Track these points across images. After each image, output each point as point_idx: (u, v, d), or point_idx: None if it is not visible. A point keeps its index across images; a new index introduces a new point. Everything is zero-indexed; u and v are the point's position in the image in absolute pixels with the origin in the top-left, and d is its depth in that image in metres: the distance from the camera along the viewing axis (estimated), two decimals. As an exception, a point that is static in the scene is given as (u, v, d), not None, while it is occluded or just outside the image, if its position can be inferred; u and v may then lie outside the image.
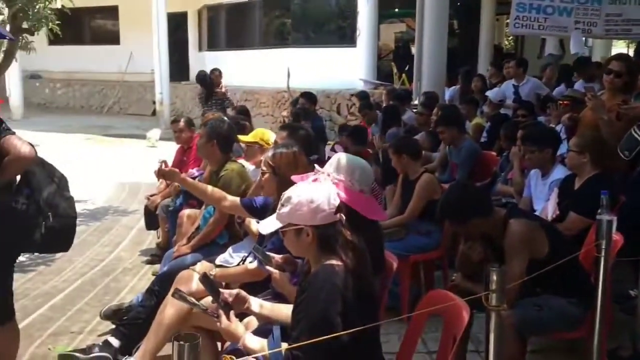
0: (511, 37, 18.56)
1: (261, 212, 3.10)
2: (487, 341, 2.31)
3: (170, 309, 2.99)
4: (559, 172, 4.13)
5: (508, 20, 11.06)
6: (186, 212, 4.58)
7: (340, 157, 2.76)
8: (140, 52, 17.33)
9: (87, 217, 7.04)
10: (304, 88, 10.02)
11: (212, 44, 17.78)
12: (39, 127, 14.83)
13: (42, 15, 7.63)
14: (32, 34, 7.69)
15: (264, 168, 3.07)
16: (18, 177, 2.89)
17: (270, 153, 3.09)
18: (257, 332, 2.35)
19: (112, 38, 19.75)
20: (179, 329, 3.02)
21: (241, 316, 2.56)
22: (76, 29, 19.95)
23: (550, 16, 8.81)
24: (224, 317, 2.18)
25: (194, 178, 5.00)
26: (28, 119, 16.46)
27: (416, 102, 8.85)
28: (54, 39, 7.80)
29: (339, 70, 13.03)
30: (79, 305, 4.49)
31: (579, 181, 3.82)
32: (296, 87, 11.79)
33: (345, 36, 13.96)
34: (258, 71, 14.68)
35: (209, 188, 3.37)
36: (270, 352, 2.07)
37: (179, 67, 16.95)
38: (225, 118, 5.51)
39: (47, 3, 7.08)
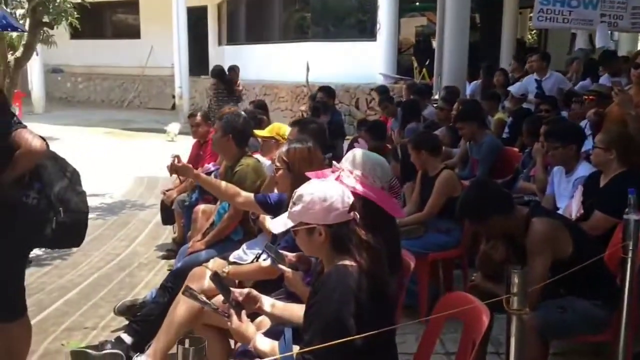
0: (534, 31, 18.27)
1: (275, 209, 3.03)
2: (508, 345, 2.23)
3: (181, 307, 2.94)
4: (583, 169, 4.00)
5: (531, 14, 10.88)
6: (201, 207, 4.53)
7: (356, 153, 2.67)
8: (161, 46, 17.38)
9: (104, 211, 7.04)
10: (323, 82, 9.91)
11: (232, 38, 17.76)
12: (60, 120, 14.97)
13: (62, 9, 7.66)
14: (52, 28, 7.71)
15: (278, 164, 3.00)
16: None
17: (284, 148, 3.02)
18: (269, 333, 2.28)
19: (133, 32, 19.86)
20: (191, 327, 2.97)
21: (253, 315, 2.51)
22: (97, 23, 20.12)
23: (575, 9, 8.63)
24: (234, 317, 2.11)
25: (210, 173, 4.97)
26: (50, 113, 16.63)
27: (436, 96, 8.73)
28: (75, 33, 7.84)
29: (358, 64, 12.91)
30: (93, 300, 4.47)
31: (604, 179, 3.69)
32: (315, 81, 11.70)
33: (366, 30, 13.84)
34: (277, 65, 14.62)
35: (223, 184, 3.31)
36: (281, 355, 2.00)
37: (198, 61, 16.97)
38: (242, 112, 5.45)
39: (67, -4, 7.10)
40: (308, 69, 11.95)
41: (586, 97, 5.74)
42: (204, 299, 2.20)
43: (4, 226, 2.74)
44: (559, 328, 2.86)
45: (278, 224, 2.12)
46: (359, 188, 2.44)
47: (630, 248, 2.69)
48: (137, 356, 3.12)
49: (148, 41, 18.62)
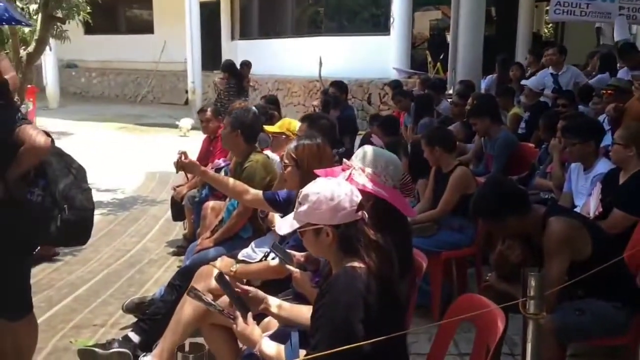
0: (551, 25, 18.01)
1: (284, 207, 2.96)
2: (524, 350, 2.14)
3: (188, 306, 2.88)
4: (602, 166, 3.89)
5: (548, 7, 10.70)
6: (210, 203, 4.48)
7: (367, 150, 2.57)
8: (174, 41, 17.35)
9: (115, 207, 7.02)
10: (336, 77, 9.83)
11: (245, 33, 17.70)
12: (74, 115, 15.01)
13: (74, 4, 7.65)
14: (64, 23, 7.70)
15: (287, 161, 2.93)
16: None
17: (292, 145, 2.94)
18: (276, 336, 2.21)
19: (146, 27, 19.84)
20: (198, 326, 2.92)
21: (260, 316, 2.44)
22: (111, 18, 20.16)
23: (593, 2, 8.47)
24: (240, 320, 2.04)
25: (220, 168, 4.92)
26: (64, 108, 16.69)
27: (451, 91, 8.61)
28: (90, 29, 7.83)
29: (372, 59, 12.80)
30: (103, 297, 4.44)
31: (624, 176, 3.58)
32: (328, 76, 11.60)
33: (379, 24, 13.72)
34: (290, 60, 14.54)
35: (231, 181, 3.24)
36: (287, 361, 1.93)
37: (211, 56, 16.90)
38: (253, 107, 5.39)
39: (79, -8, 7.08)
40: (321, 64, 11.87)
41: (604, 91, 5.61)
42: (209, 300, 2.13)
43: (9, 224, 2.70)
44: (576, 331, 2.77)
45: (284, 225, 2.04)
46: (370, 186, 2.36)
47: (652, 248, 2.60)
48: (143, 356, 3.07)
49: (161, 36, 18.59)
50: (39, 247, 4.78)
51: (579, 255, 2.75)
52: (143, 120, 14.89)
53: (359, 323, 1.81)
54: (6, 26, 7.11)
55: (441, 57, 12.95)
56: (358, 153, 2.60)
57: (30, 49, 7.02)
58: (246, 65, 10.55)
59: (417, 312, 3.61)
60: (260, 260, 3.16)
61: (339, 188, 1.95)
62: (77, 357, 3.37)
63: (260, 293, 2.24)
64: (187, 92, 16.63)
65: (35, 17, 7.38)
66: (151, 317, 3.41)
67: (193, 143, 6.96)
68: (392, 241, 2.05)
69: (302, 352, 1.92)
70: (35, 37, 7.04)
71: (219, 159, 5.26)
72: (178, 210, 5.55)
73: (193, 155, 6.00)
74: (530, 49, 11.48)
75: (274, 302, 2.26)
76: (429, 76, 11.18)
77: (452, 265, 4.33)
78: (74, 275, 4.87)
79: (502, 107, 6.48)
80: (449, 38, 11.03)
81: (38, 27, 6.99)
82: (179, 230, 5.94)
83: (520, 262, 2.84)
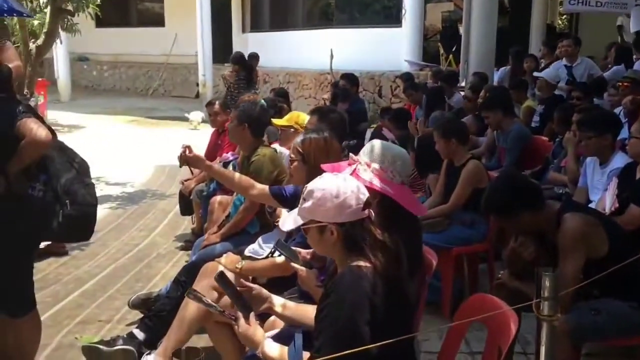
0: (565, 16, 17.74)
1: (291, 202, 2.88)
2: (538, 353, 2.06)
3: (192, 304, 2.81)
4: (619, 160, 3.77)
5: (562, -2, 10.51)
6: (217, 198, 4.41)
7: (375, 145, 2.47)
8: (185, 34, 17.28)
9: (124, 201, 6.99)
10: (347, 70, 9.71)
11: (256, 26, 17.61)
12: (85, 109, 15.03)
13: (82, -3, 7.61)
14: (73, 15, 7.67)
15: (293, 155, 2.84)
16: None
17: (299, 139, 2.86)
18: (280, 338, 2.14)
19: (158, 20, 19.79)
20: (202, 325, 2.86)
21: (267, 314, 2.38)
22: (122, 11, 20.14)
23: (609, -8, 8.30)
24: (242, 320, 1.97)
25: (228, 162, 4.86)
26: (75, 101, 16.70)
27: (463, 84, 8.49)
28: (101, 22, 7.79)
29: (383, 51, 12.67)
30: (110, 292, 4.40)
31: (641, 171, 3.47)
32: (339, 68, 11.49)
33: (391, 16, 13.57)
34: (301, 52, 14.44)
35: (236, 175, 3.16)
36: (290, 363, 1.86)
37: (222, 49, 16.82)
38: (262, 100, 5.32)
39: (87, -16, 7.04)
40: (332, 56, 11.76)
41: (620, 83, 5.48)
42: (209, 301, 2.07)
43: (10, 219, 2.65)
44: (592, 331, 2.68)
45: (288, 221, 1.96)
46: (377, 183, 2.28)
47: (671, 245, 2.50)
48: (147, 354, 3.02)
49: (172, 29, 18.54)
50: (49, 243, 4.79)
51: (595, 253, 2.65)
52: (154, 114, 14.87)
53: (364, 324, 1.74)
54: (15, 19, 7.10)
55: (453, 49, 12.79)
56: (365, 147, 2.50)
57: (40, 41, 6.99)
58: (254, 57, 10.47)
59: (428, 308, 3.54)
60: (267, 257, 3.09)
61: (345, 184, 1.87)
62: (82, 354, 3.33)
63: (264, 291, 2.17)
64: (198, 85, 16.60)
65: (44, 9, 7.36)
66: (156, 313, 3.35)
67: (203, 136, 6.90)
68: (400, 239, 1.97)
69: (306, 355, 1.84)
70: (45, 29, 7.01)
71: (227, 153, 5.20)
72: (186, 205, 5.50)
73: (202, 149, 5.99)
74: (544, 40, 11.31)
75: (277, 301, 2.19)
76: (440, 69, 11.04)
77: (463, 261, 4.24)
78: (81, 269, 4.84)
79: (515, 100, 6.35)
80: (462, 30, 10.88)
81: (47, 20, 6.97)
82: (187, 224, 5.90)
83: (534, 260, 2.75)
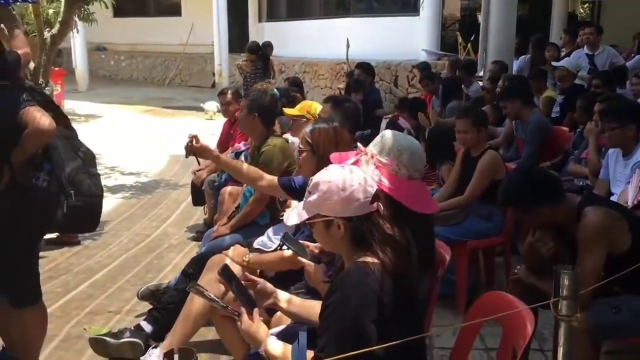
0: (587, 4, 17.39)
1: (301, 193, 2.78)
2: (555, 352, 1.96)
3: (198, 298, 2.74)
4: (643, 152, 3.64)
5: (585, -15, 10.25)
6: (228, 189, 4.34)
7: (386, 135, 2.35)
8: (201, 23, 17.24)
9: (138, 190, 6.96)
10: (363, 59, 9.56)
11: (272, 15, 17.50)
12: (102, 98, 15.07)
13: (98, -14, 7.56)
14: (88, 4, 7.63)
15: (302, 146, 2.75)
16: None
17: (308, 129, 2.76)
18: (285, 333, 2.07)
19: (174, 10, 19.76)
20: (207, 318, 2.79)
21: (271, 310, 2.30)
22: (139, 1, 20.14)
23: (634, -22, 8.06)
24: (245, 317, 1.89)
25: (240, 152, 4.79)
26: (93, 90, 16.77)
27: (481, 73, 8.33)
28: (118, 12, 7.73)
29: (400, 40, 12.48)
30: (120, 282, 4.36)
31: (666, 163, 3.34)
32: (356, 58, 11.34)
33: (409, 5, 13.37)
34: (317, 42, 14.31)
35: (245, 166, 3.08)
36: (293, 362, 1.78)
37: (238, 39, 16.76)
38: (275, 89, 5.23)
39: (102, -27, 6.99)
40: (348, 46, 11.62)
41: (644, 72, 5.31)
42: (212, 295, 1.99)
43: (14, 210, 2.60)
44: (612, 330, 2.57)
45: (292, 215, 1.87)
46: (374, 176, 2.15)
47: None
48: (152, 347, 2.96)
49: (189, 19, 18.49)
50: (59, 233, 4.77)
51: (617, 248, 2.54)
52: (170, 103, 14.86)
53: (370, 324, 1.65)
54: (30, 7, 7.07)
55: (472, 38, 12.59)
56: (377, 138, 2.40)
57: (54, 30, 6.96)
58: (268, 46, 10.37)
59: (442, 302, 3.45)
60: (275, 250, 3.01)
61: (351, 176, 1.78)
62: (89, 345, 3.30)
63: (269, 286, 2.09)
64: (214, 74, 16.55)
65: (60, -1, 7.32)
66: (164, 306, 3.30)
67: (218, 126, 6.84)
68: (411, 233, 1.87)
69: (310, 354, 1.76)
70: (59, 18, 6.98)
71: (239, 143, 5.13)
72: (198, 195, 5.45)
73: (215, 139, 5.92)
74: (565, 28, 11.07)
75: (283, 297, 2.11)
76: (458, 58, 10.86)
77: (478, 254, 4.14)
78: (92, 260, 4.81)
79: (534, 90, 6.19)
80: (481, 19, 10.70)
81: (62, 9, 6.93)
82: (199, 215, 5.85)
83: (552, 256, 2.63)
